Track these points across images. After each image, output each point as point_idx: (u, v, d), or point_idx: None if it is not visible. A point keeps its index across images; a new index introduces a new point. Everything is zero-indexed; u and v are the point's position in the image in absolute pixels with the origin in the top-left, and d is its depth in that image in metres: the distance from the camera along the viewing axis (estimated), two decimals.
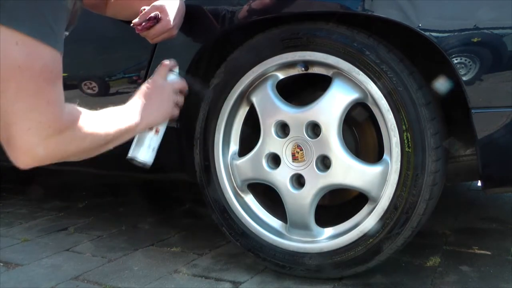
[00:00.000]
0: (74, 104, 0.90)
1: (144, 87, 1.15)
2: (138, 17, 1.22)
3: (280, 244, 1.32)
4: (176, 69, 1.24)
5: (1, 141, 0.83)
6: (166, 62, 1.22)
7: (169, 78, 1.21)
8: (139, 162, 1.20)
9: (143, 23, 1.21)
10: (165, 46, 1.36)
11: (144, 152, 1.20)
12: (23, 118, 0.77)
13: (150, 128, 1.19)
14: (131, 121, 1.05)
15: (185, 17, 1.29)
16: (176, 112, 1.21)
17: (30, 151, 0.80)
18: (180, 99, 1.22)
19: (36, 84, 0.77)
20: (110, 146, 1.01)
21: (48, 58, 0.78)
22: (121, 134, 1.01)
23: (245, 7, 1.26)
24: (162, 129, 1.22)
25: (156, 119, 1.16)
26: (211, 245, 1.59)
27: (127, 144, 1.49)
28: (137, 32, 1.23)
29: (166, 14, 1.21)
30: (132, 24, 1.23)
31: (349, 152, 1.22)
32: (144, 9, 1.22)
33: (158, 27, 1.22)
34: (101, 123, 0.95)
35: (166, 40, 1.27)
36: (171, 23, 1.22)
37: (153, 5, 1.22)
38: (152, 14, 1.20)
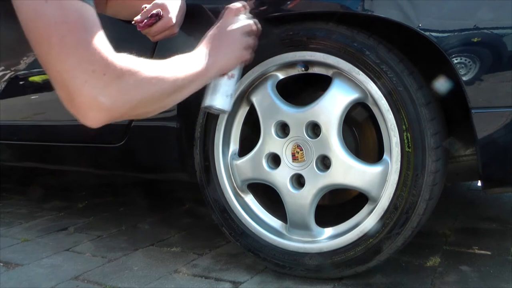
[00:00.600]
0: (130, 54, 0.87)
1: (211, 33, 1.11)
2: (140, 14, 1.23)
3: (280, 244, 1.32)
4: (246, 11, 1.18)
5: (67, 108, 0.80)
6: (233, 4, 1.16)
7: (237, 20, 1.15)
8: (217, 110, 1.16)
9: (145, 20, 1.21)
10: (165, 45, 1.36)
11: (220, 99, 1.14)
12: (76, 72, 0.77)
13: (223, 74, 1.14)
14: (200, 66, 1.00)
15: (186, 16, 1.30)
16: (248, 55, 1.15)
17: (94, 103, 0.78)
18: (252, 41, 1.15)
19: (77, 35, 0.77)
20: (183, 94, 0.96)
21: (80, 9, 0.78)
22: (191, 79, 0.96)
23: None
24: (236, 74, 1.16)
25: (227, 64, 1.10)
26: (211, 245, 1.59)
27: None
28: (138, 29, 1.23)
29: (168, 12, 1.22)
30: (133, 22, 1.23)
31: (349, 152, 1.22)
32: (145, 7, 1.23)
33: (160, 24, 1.22)
34: (166, 67, 0.91)
35: (167, 38, 1.27)
36: (173, 20, 1.23)
37: (155, 3, 1.22)
38: (154, 11, 1.21)
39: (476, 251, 1.46)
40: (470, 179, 1.76)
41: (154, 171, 1.65)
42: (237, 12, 1.14)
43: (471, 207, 1.96)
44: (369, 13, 1.14)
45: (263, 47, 1.27)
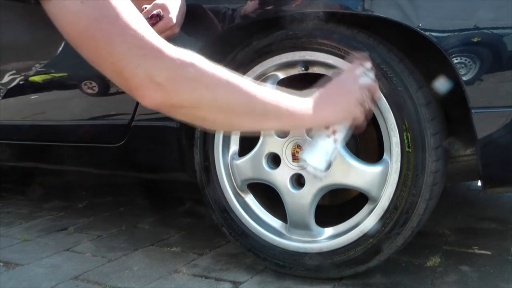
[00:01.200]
0: None
1: (330, 83, 1.02)
2: None
3: (280, 244, 1.32)
4: (370, 71, 1.08)
5: (128, 93, 0.80)
6: (360, 58, 1.07)
7: (359, 74, 1.06)
8: (310, 167, 1.06)
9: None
10: None
11: (316, 156, 1.05)
12: (128, 59, 0.77)
13: (327, 128, 1.04)
14: (293, 105, 0.91)
15: (186, 16, 1.30)
16: (359, 113, 1.01)
17: (150, 83, 0.78)
18: (368, 99, 1.04)
19: (120, 25, 0.77)
20: (257, 125, 0.90)
21: (116, 2, 0.78)
22: (275, 112, 0.88)
23: (246, 7, 1.26)
24: (340, 133, 1.06)
25: (334, 116, 0.99)
26: (211, 245, 1.59)
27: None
28: None
29: (168, 12, 1.22)
30: None
31: (349, 152, 1.22)
32: (145, 7, 1.23)
33: (161, 24, 1.23)
34: (242, 82, 0.84)
35: (167, 38, 1.27)
36: (173, 20, 1.23)
37: (155, 3, 1.23)
38: (155, 12, 1.21)
39: (476, 251, 1.46)
40: (470, 179, 1.76)
41: (154, 171, 1.65)
42: (361, 65, 1.07)
43: (471, 207, 1.96)
44: (369, 13, 1.14)
45: (263, 47, 1.28)
